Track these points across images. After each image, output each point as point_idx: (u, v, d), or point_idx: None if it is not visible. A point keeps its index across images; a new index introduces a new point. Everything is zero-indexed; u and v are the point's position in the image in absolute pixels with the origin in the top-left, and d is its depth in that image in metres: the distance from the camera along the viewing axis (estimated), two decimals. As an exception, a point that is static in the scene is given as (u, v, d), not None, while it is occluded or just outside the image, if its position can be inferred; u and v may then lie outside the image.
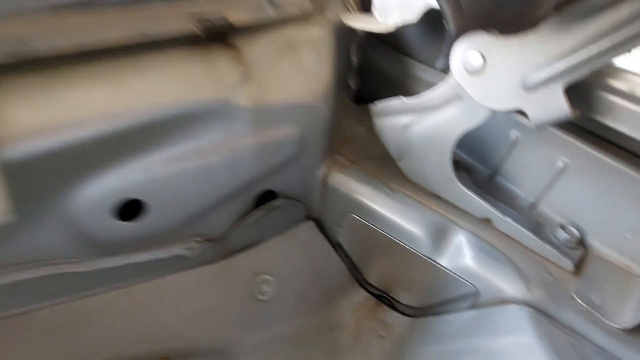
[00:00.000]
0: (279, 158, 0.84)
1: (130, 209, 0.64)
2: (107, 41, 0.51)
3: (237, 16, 0.66)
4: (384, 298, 1.05)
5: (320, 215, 1.07)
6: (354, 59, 1.19)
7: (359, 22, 1.05)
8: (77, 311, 0.68)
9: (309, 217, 1.06)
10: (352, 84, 1.23)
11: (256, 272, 0.91)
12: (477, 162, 1.04)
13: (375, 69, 1.18)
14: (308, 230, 1.03)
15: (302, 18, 0.84)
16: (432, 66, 1.07)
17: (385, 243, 0.96)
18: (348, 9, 1.14)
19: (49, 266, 0.62)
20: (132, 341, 0.72)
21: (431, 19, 0.82)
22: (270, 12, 0.74)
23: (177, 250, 0.76)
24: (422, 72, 1.09)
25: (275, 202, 0.91)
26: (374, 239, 0.97)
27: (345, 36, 1.06)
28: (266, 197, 0.91)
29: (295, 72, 0.81)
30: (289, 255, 0.97)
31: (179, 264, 0.79)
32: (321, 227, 1.07)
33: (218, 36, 0.66)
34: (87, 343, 0.69)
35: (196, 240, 0.79)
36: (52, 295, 0.67)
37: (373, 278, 1.06)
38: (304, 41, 0.85)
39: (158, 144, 0.62)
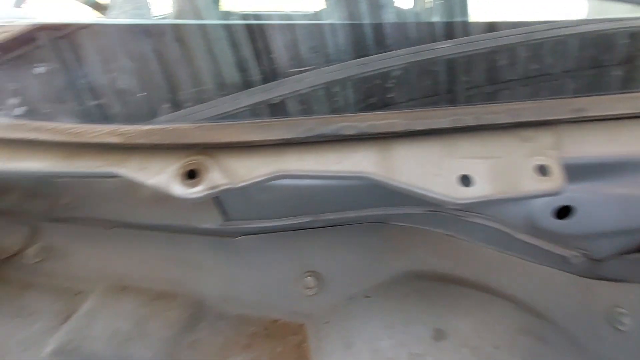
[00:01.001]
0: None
1: (563, 212, 0.98)
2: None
3: None
4: None
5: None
6: None
7: None
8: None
9: (684, 286, 1.07)
10: None
11: (617, 304, 1.05)
12: None
13: None
14: (682, 297, 1.05)
15: None
16: None
17: None
18: None
19: (493, 222, 1.05)
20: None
21: None
22: None
23: (566, 252, 1.05)
24: None
25: (662, 255, 1.02)
26: None
27: None
28: (656, 248, 1.03)
29: None
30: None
31: (560, 262, 1.07)
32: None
33: None
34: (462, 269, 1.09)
35: (582, 252, 1.05)
36: (481, 239, 1.11)
37: None
38: None
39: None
